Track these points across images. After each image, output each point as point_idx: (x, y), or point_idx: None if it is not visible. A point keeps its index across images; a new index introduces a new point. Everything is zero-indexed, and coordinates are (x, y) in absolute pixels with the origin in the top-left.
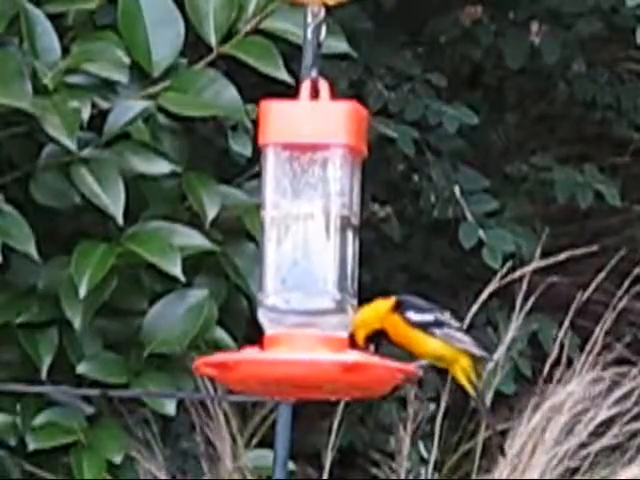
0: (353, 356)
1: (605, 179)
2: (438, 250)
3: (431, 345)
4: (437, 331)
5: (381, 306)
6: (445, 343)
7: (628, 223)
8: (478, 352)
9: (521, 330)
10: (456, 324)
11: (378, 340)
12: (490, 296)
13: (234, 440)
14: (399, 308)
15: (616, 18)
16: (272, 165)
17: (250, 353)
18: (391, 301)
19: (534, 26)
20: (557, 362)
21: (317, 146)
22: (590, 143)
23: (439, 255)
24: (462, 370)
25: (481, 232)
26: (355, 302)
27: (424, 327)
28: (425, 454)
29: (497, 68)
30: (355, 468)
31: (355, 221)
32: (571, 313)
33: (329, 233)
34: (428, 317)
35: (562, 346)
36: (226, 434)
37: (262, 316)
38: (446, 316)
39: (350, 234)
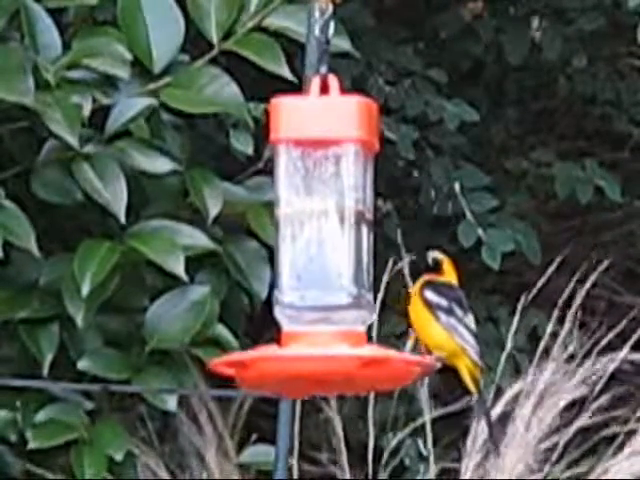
0: (371, 350)
1: (605, 174)
2: (438, 246)
3: (433, 330)
4: (442, 316)
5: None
6: (447, 333)
7: (628, 218)
8: (477, 360)
9: (521, 325)
10: (470, 325)
11: None
12: (492, 292)
13: (224, 437)
14: (424, 286)
15: (618, 14)
16: (284, 162)
17: (268, 350)
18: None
19: (535, 21)
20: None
21: (329, 142)
22: (590, 138)
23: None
24: (466, 367)
25: (480, 231)
26: (371, 296)
27: (433, 307)
28: (424, 451)
29: (498, 63)
30: (350, 464)
31: (369, 216)
32: (577, 311)
33: (343, 229)
34: (443, 302)
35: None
36: (216, 431)
37: (279, 313)
38: (464, 314)
39: (365, 229)
